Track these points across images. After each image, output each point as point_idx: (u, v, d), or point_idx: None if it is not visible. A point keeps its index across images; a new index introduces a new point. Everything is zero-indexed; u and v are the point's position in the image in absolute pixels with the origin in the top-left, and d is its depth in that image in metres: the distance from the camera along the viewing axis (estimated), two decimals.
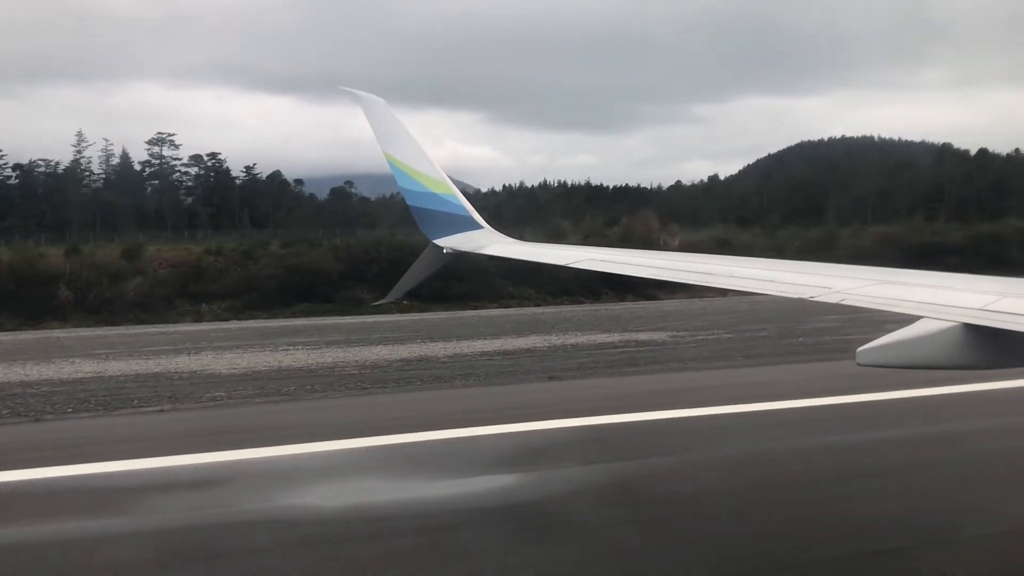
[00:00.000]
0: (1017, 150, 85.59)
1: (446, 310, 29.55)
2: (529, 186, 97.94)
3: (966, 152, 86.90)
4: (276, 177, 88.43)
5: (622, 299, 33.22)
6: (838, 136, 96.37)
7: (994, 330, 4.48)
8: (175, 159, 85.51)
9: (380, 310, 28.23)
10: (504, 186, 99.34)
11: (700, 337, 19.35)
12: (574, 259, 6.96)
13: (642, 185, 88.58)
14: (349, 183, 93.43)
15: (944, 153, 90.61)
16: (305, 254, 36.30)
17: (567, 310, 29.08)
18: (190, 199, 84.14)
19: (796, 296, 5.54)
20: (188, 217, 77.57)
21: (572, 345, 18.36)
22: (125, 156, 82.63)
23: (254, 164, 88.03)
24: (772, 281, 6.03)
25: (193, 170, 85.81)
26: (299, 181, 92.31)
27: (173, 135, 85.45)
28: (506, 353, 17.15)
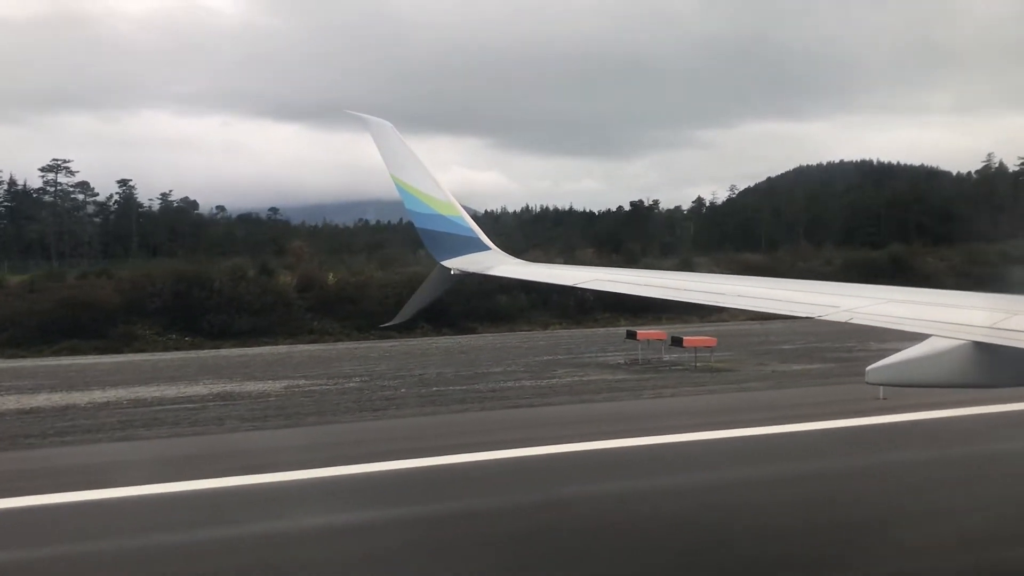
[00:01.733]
0: (969, 173, 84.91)
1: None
2: (521, 209, 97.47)
3: (956, 174, 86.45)
4: (194, 206, 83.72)
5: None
6: (836, 160, 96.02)
7: (1004, 348, 4.47)
8: (71, 187, 77.59)
9: None
10: (502, 208, 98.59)
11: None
12: (581, 280, 6.97)
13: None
14: (274, 210, 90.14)
15: (931, 176, 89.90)
16: (78, 287, 32.86)
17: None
18: (88, 226, 76.46)
19: (804, 315, 5.55)
20: (73, 245, 70.91)
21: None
22: (12, 183, 76.30)
23: (170, 191, 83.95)
24: (780, 300, 6.03)
25: (98, 197, 78.87)
26: (220, 208, 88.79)
27: (69, 161, 77.80)
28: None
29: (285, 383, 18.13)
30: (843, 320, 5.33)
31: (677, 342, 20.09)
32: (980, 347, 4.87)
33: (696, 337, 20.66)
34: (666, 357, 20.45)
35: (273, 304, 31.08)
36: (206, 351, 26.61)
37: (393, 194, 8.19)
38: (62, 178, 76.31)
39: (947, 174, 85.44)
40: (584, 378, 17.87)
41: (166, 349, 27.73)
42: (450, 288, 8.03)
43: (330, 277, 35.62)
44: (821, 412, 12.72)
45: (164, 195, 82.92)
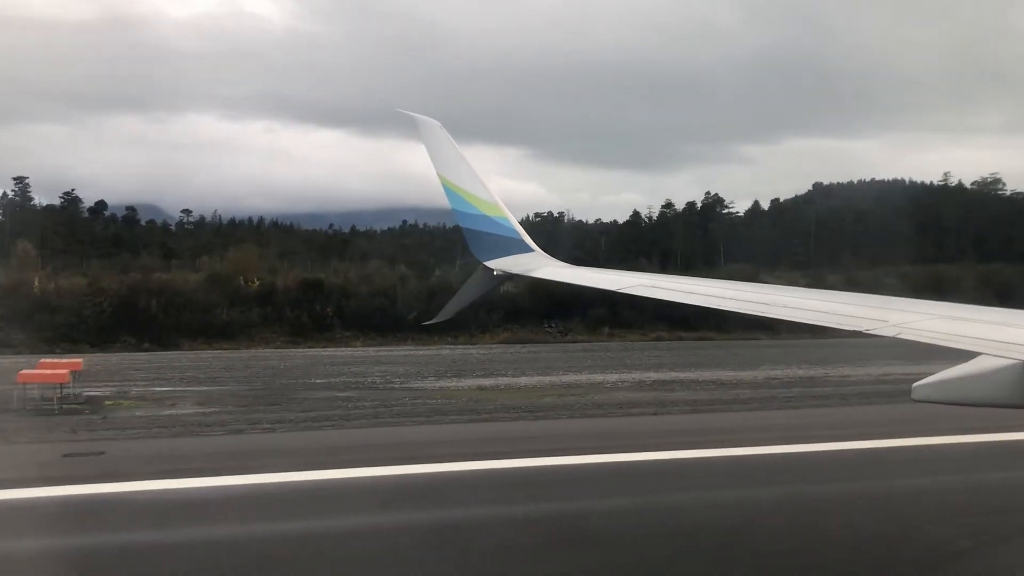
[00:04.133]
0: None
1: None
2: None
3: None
4: (76, 203, 76.90)
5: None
6: (868, 179, 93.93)
7: None
8: None
9: None
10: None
11: None
12: (624, 285, 6.96)
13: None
14: (131, 208, 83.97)
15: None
16: None
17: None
18: None
19: (852, 328, 5.49)
20: None
21: None
22: None
23: (72, 189, 77.60)
24: (828, 313, 5.95)
25: None
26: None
27: None
28: None
29: None
30: (891, 335, 5.26)
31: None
32: None
33: (51, 367, 16.65)
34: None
35: None
36: None
37: (431, 202, 8.26)
38: None
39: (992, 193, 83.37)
40: None
41: None
42: (493, 288, 8.07)
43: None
44: None
45: (67, 194, 76.77)
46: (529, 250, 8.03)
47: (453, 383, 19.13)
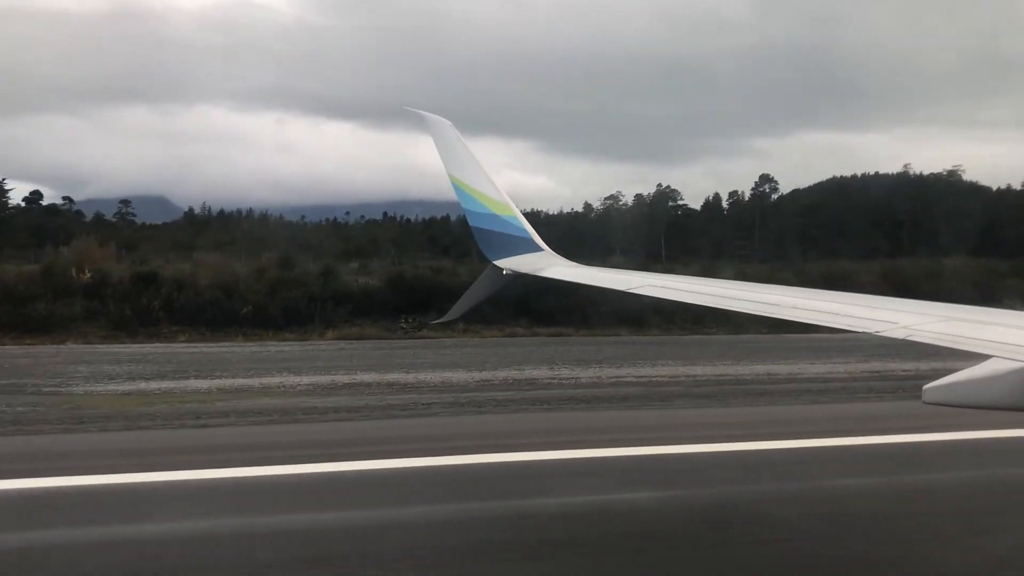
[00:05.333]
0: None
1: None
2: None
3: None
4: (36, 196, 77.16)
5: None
6: (871, 172, 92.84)
7: None
8: None
9: None
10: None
11: None
12: (633, 285, 6.96)
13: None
14: (67, 199, 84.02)
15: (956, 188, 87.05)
16: None
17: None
18: None
19: (862, 330, 5.49)
20: None
21: None
22: None
23: (3, 179, 74.90)
24: (837, 314, 5.96)
25: None
26: (37, 193, 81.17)
27: None
28: None
29: None
30: (901, 337, 5.25)
31: None
32: None
33: None
34: None
35: None
36: None
37: (438, 195, 8.30)
38: None
39: (987, 189, 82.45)
40: None
41: None
42: (502, 287, 8.10)
43: None
44: None
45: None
46: (539, 249, 8.06)
47: (142, 386, 16.79)
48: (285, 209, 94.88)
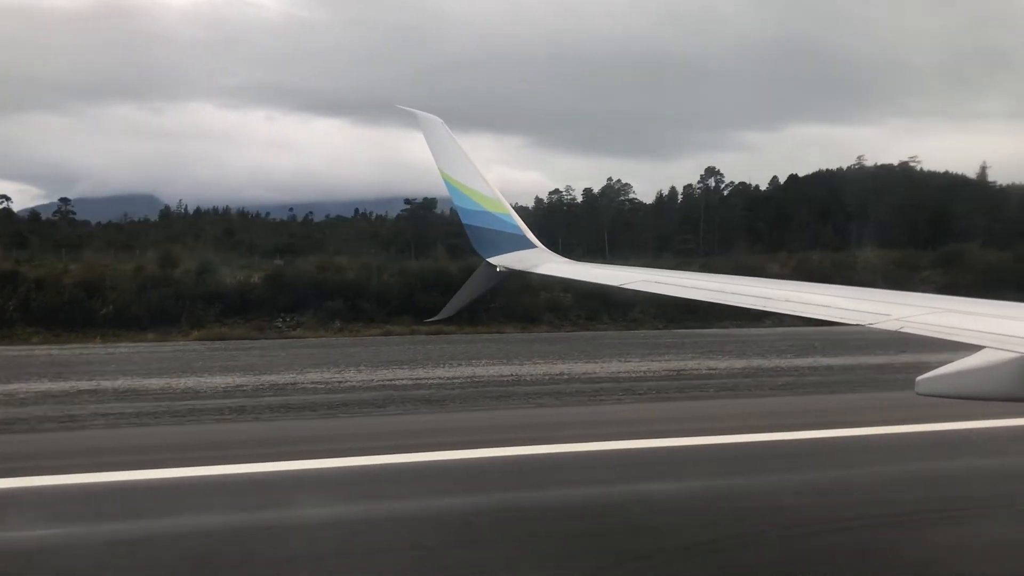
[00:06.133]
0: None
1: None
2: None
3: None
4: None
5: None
6: (855, 165, 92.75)
7: None
8: None
9: None
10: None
11: None
12: (627, 280, 6.97)
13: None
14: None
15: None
16: None
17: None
18: None
19: (855, 322, 5.51)
20: None
21: None
22: None
23: None
24: (829, 307, 6.00)
25: None
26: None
27: None
28: None
29: None
30: (894, 329, 5.28)
31: None
32: None
33: None
34: None
35: None
36: None
37: (431, 191, 8.29)
38: None
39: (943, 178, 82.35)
40: None
41: None
42: (496, 285, 8.10)
43: None
44: None
45: None
46: (532, 246, 8.06)
47: None
48: (276, 206, 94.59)
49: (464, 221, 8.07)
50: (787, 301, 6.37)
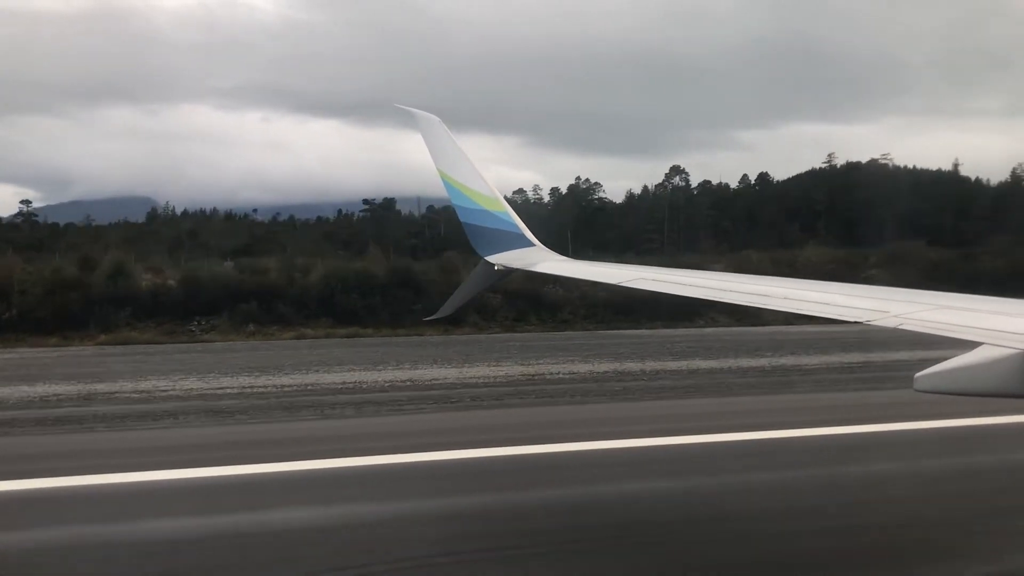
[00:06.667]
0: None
1: None
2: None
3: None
4: None
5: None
6: (844, 162, 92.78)
7: None
8: None
9: None
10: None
11: None
12: (627, 278, 6.98)
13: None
14: None
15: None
16: None
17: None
18: None
19: (853, 320, 5.52)
20: None
21: None
22: None
23: None
24: (828, 304, 6.01)
25: None
26: None
27: None
28: None
29: None
30: (892, 326, 5.29)
31: None
32: None
33: None
34: None
35: None
36: None
37: (428, 192, 8.27)
38: None
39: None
40: None
41: None
42: (495, 283, 8.09)
43: None
44: None
45: None
46: (530, 244, 8.06)
47: None
48: (272, 208, 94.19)
49: (462, 220, 8.06)
50: (785, 299, 6.37)
